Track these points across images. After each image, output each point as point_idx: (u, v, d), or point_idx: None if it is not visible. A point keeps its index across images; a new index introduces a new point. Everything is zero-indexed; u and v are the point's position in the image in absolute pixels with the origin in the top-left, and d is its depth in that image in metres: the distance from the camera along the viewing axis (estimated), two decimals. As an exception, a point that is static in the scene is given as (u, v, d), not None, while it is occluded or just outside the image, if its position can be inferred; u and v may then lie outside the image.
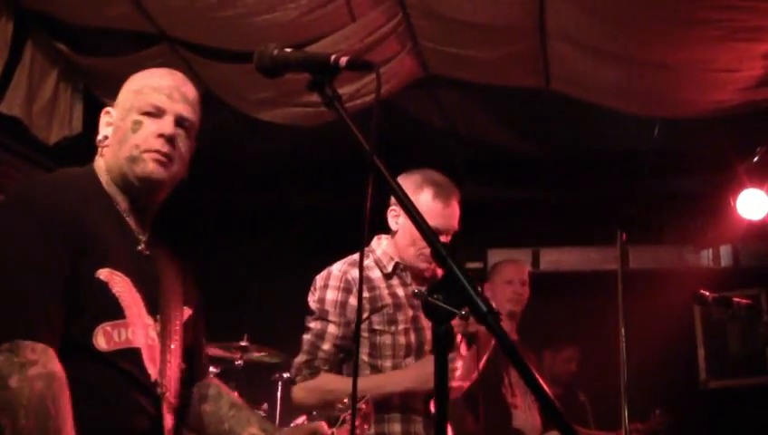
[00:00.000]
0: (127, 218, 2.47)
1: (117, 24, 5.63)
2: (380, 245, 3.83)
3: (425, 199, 3.64)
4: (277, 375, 6.89)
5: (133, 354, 2.31)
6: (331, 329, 3.62)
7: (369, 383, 3.45)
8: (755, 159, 7.06)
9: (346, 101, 5.48)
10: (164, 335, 2.43)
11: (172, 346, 2.47)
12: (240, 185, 8.71)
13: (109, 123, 2.50)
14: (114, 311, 2.29)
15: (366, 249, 3.80)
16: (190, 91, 2.55)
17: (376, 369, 3.61)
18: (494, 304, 1.74)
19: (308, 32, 5.43)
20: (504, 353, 1.74)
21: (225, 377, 5.93)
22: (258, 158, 8.05)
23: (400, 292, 3.71)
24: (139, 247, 2.46)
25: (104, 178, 2.48)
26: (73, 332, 2.22)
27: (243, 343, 6.55)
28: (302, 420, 6.43)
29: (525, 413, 5.03)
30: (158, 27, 5.60)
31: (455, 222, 3.69)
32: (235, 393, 2.82)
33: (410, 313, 3.68)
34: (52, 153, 5.97)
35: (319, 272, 3.82)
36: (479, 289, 1.75)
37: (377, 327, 3.61)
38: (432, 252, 1.80)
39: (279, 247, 8.87)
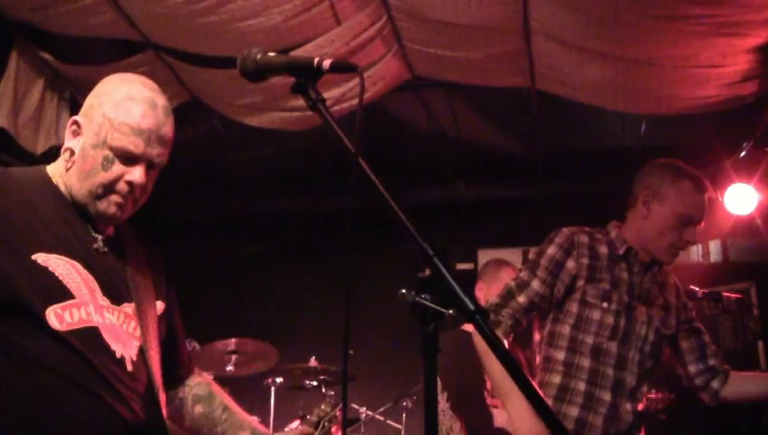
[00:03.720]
0: (82, 219, 2.41)
1: (102, 32, 5.63)
2: (615, 228, 3.67)
3: (685, 187, 3.51)
4: (270, 380, 6.88)
5: (92, 333, 2.27)
6: (535, 284, 3.45)
7: (513, 394, 3.29)
8: (742, 153, 7.09)
9: (332, 104, 5.52)
10: (142, 319, 2.41)
11: (150, 341, 2.43)
12: (228, 191, 8.71)
13: (76, 134, 2.41)
14: (60, 293, 2.24)
15: (600, 229, 3.69)
16: (169, 129, 2.43)
17: (575, 343, 3.45)
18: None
19: (293, 36, 5.43)
20: (493, 353, 1.74)
21: (217, 382, 5.95)
22: (244, 164, 8.06)
23: (623, 275, 3.54)
24: (95, 246, 2.40)
25: (61, 184, 2.43)
26: (28, 318, 2.19)
27: (235, 349, 6.55)
28: (296, 423, 6.44)
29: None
30: (142, 35, 5.59)
31: (704, 214, 3.55)
32: (226, 394, 2.80)
33: (626, 298, 3.50)
34: (38, 163, 5.96)
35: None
36: (467, 288, 1.75)
37: (589, 299, 3.46)
38: (418, 251, 1.80)
39: (270, 253, 8.88)
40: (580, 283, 3.47)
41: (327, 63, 1.99)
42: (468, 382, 4.85)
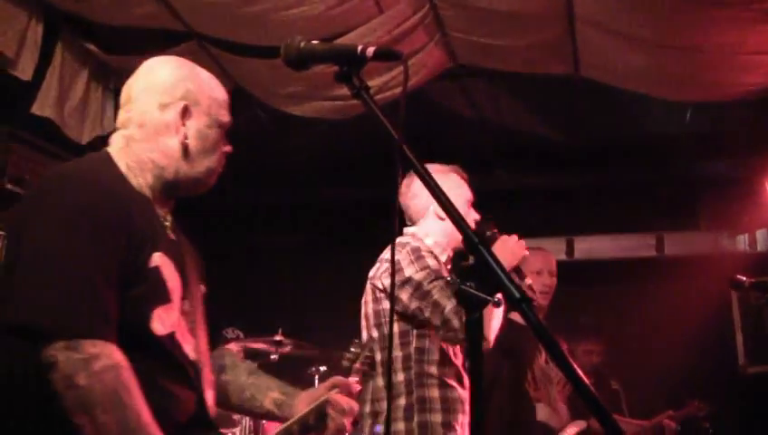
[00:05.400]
0: (155, 206, 2.41)
1: (145, 22, 5.67)
2: (427, 235, 3.84)
3: (455, 180, 3.96)
4: (313, 369, 6.89)
5: (176, 337, 2.29)
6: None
7: None
8: (789, 141, 6.98)
9: (375, 93, 5.49)
10: (193, 314, 2.42)
11: (201, 324, 2.47)
12: (270, 181, 8.73)
13: (186, 118, 2.44)
14: (164, 295, 2.25)
15: (411, 238, 3.80)
16: None
17: (446, 356, 3.65)
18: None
19: (335, 25, 5.44)
20: (539, 341, 1.73)
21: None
22: (287, 154, 8.07)
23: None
24: (168, 233, 2.42)
25: (127, 167, 2.39)
26: (131, 319, 2.17)
27: (277, 338, 6.57)
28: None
29: (550, 406, 4.98)
30: (186, 25, 5.63)
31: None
32: (251, 363, 2.86)
33: None
34: (84, 153, 6.01)
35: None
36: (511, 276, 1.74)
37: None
38: (463, 238, 1.80)
39: (310, 242, 8.90)
40: (432, 279, 3.64)
41: (370, 51, 1.98)
42: (509, 374, 4.82)
